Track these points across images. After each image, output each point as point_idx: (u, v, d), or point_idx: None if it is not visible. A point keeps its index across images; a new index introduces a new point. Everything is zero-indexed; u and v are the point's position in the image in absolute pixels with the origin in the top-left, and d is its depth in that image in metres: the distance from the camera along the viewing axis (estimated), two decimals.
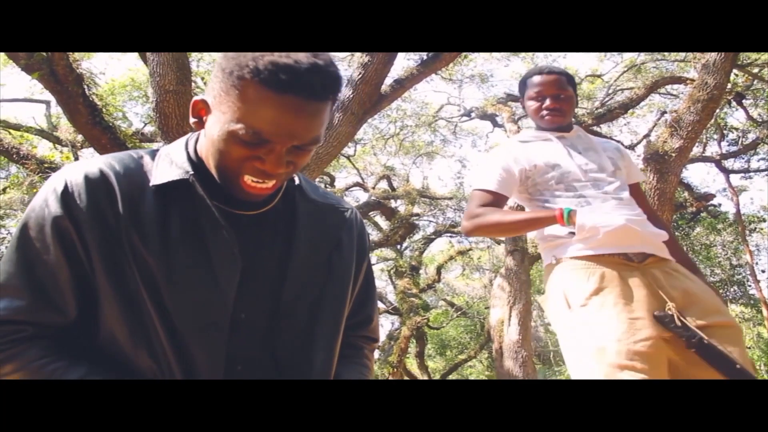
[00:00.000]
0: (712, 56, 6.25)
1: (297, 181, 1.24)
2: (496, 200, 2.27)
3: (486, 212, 2.20)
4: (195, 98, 1.07)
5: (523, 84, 2.49)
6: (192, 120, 1.09)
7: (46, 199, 1.02)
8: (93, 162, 1.07)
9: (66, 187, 1.02)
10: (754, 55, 9.78)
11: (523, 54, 12.88)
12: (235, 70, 0.97)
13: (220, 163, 1.05)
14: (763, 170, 11.58)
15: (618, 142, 2.69)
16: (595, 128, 9.77)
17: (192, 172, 1.08)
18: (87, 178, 1.03)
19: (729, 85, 9.12)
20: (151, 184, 1.06)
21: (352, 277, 1.25)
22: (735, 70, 9.29)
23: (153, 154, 1.13)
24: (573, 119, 2.48)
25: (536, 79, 2.41)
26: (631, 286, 1.98)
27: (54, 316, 1.01)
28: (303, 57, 0.96)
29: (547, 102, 2.38)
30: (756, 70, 10.05)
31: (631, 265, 2.04)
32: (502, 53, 12.52)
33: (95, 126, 5.16)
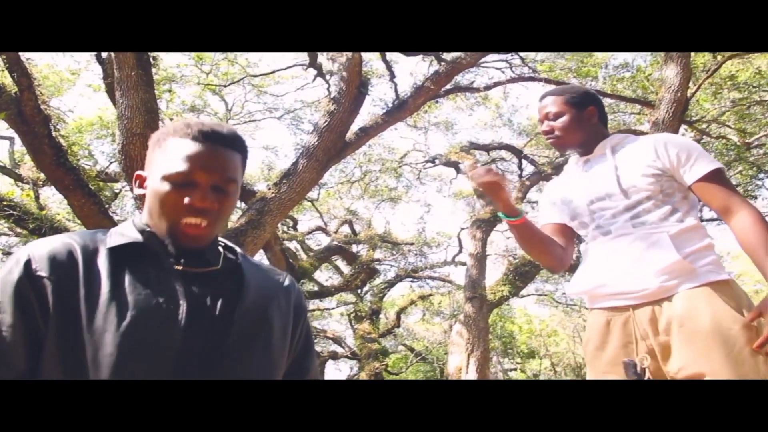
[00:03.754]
0: (661, 114, 6.57)
1: (239, 252, 1.41)
2: (553, 231, 2.27)
3: None
4: (137, 173, 1.31)
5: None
6: (137, 192, 1.30)
7: (11, 267, 1.13)
8: (54, 237, 1.22)
9: (29, 256, 1.14)
10: (701, 112, 10.24)
11: (485, 104, 13.22)
12: (160, 137, 1.25)
13: (161, 211, 1.24)
14: (714, 219, 11.96)
15: None
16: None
17: (142, 236, 1.24)
18: (49, 247, 1.17)
19: None
20: (107, 246, 1.21)
21: (289, 333, 1.38)
22: (684, 126, 9.71)
23: (106, 232, 1.29)
24: (609, 132, 2.23)
25: (537, 107, 2.27)
26: (610, 337, 1.99)
27: (3, 371, 1.09)
28: (210, 122, 1.27)
29: (542, 128, 2.24)
30: (704, 126, 10.50)
31: (619, 311, 1.99)
32: (466, 103, 12.84)
33: (59, 167, 5.18)
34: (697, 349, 1.78)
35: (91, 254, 1.19)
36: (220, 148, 1.25)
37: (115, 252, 1.20)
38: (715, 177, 1.96)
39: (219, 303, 1.25)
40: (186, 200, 1.21)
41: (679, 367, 1.81)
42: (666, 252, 1.90)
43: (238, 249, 1.42)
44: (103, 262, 1.18)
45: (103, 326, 1.11)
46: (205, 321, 1.21)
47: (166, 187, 1.21)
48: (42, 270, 1.13)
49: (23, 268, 1.13)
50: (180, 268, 1.23)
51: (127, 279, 1.17)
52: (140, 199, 1.33)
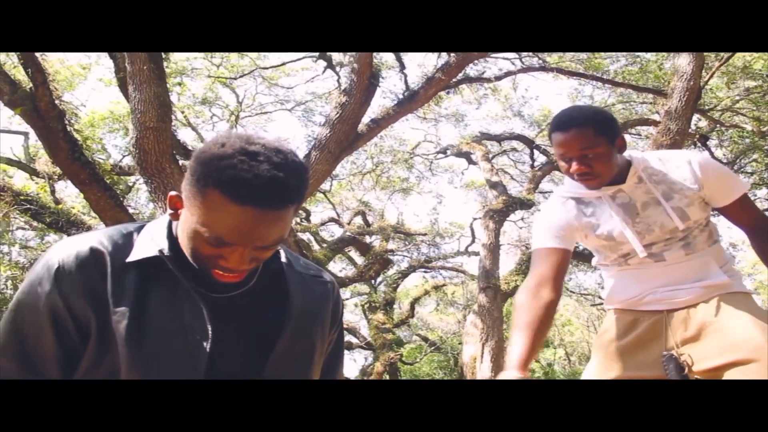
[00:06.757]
0: (674, 103, 6.52)
1: (283, 258, 1.32)
2: (557, 256, 2.03)
3: (521, 303, 1.98)
4: (171, 193, 1.16)
5: (550, 137, 2.04)
6: (169, 212, 1.18)
7: (41, 276, 1.11)
8: (85, 240, 1.17)
9: (59, 266, 1.11)
10: (714, 101, 10.14)
11: (494, 95, 13.17)
12: (201, 178, 1.04)
13: (191, 256, 1.14)
14: None
15: None
16: None
17: (166, 251, 1.16)
18: (78, 257, 1.13)
19: (693, 128, 9.44)
20: (127, 260, 1.15)
21: (325, 343, 1.35)
22: (697, 115, 9.63)
23: (140, 229, 1.23)
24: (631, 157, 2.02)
25: (556, 137, 1.95)
26: (633, 332, 2.06)
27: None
28: (264, 170, 1.02)
29: (574, 166, 1.92)
30: (717, 115, 10.41)
31: (651, 314, 2.05)
32: (474, 95, 12.79)
33: (74, 162, 5.24)
34: (736, 335, 1.85)
35: (120, 267, 1.14)
36: (271, 213, 1.04)
37: (142, 264, 1.15)
38: (747, 196, 2.09)
39: (255, 325, 1.23)
40: (221, 262, 1.10)
41: (718, 352, 1.86)
42: (713, 273, 2.01)
43: (282, 251, 1.33)
44: (130, 276, 1.14)
45: (125, 348, 1.10)
46: (239, 345, 1.20)
47: (200, 239, 1.08)
48: (72, 284, 1.10)
49: (54, 282, 1.10)
50: (205, 292, 1.19)
51: (152, 297, 1.14)
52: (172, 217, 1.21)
